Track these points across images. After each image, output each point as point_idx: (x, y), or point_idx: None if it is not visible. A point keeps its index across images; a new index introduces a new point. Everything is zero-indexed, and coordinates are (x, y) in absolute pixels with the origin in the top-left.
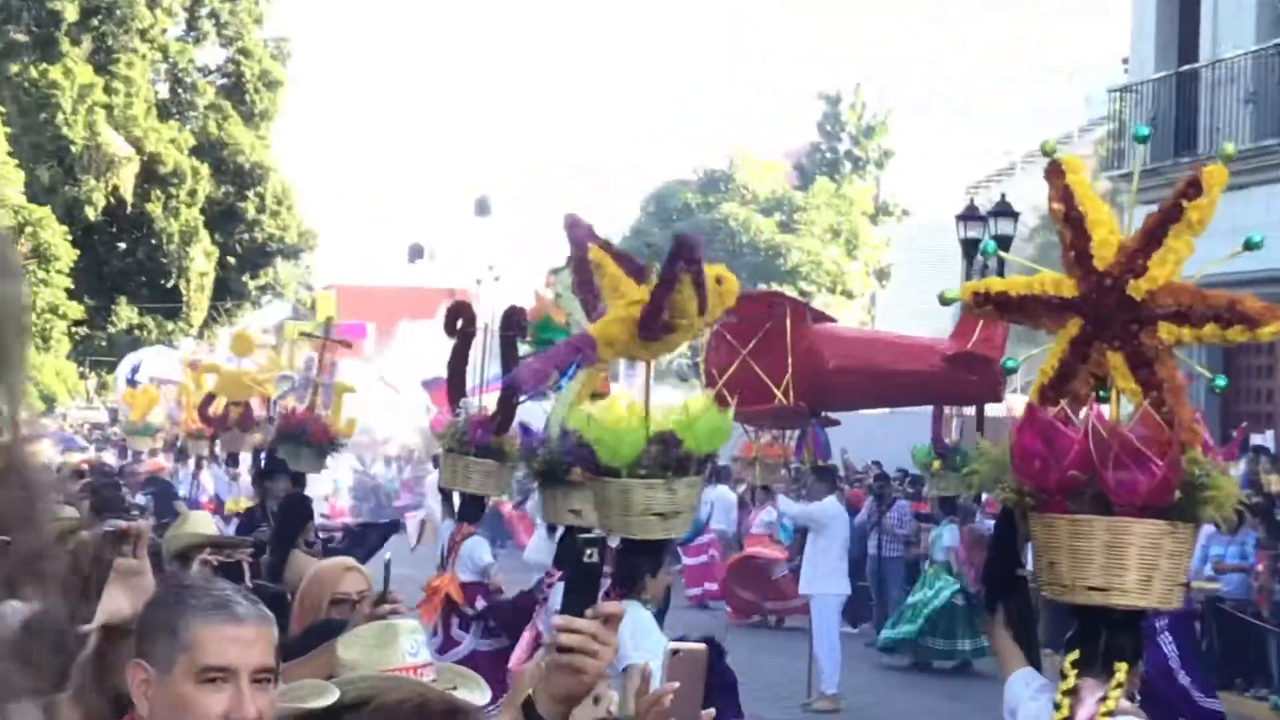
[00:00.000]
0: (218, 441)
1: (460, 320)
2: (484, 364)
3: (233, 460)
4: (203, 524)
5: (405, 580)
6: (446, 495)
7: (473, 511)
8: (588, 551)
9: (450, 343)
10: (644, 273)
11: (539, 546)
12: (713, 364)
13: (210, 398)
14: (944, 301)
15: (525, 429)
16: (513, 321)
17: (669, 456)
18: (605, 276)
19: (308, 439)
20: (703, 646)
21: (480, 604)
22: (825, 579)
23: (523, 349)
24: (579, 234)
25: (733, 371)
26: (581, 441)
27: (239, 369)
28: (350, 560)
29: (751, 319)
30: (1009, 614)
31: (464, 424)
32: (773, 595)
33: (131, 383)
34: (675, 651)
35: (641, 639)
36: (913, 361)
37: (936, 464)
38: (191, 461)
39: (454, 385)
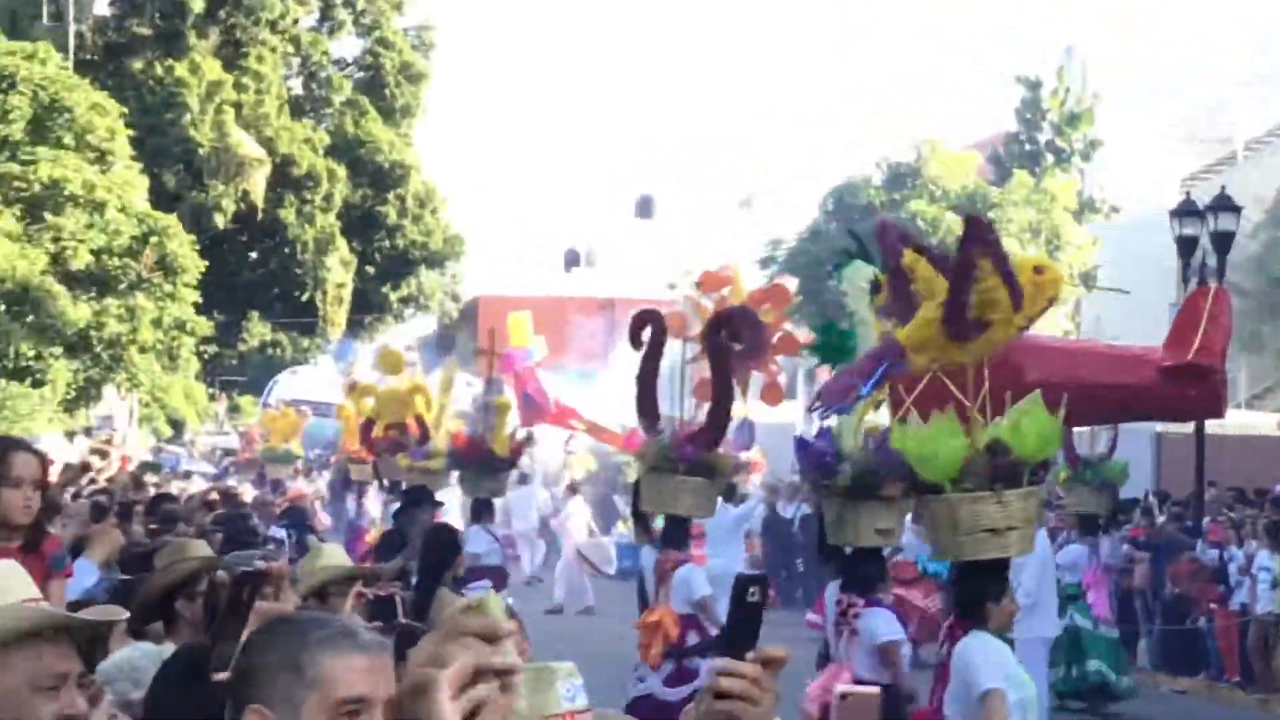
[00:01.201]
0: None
1: (649, 330)
2: (681, 376)
3: (394, 488)
4: (338, 557)
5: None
6: (642, 519)
7: (679, 536)
8: (750, 590)
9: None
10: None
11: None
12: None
13: (371, 422)
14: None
15: (802, 441)
16: (730, 326)
17: (997, 466)
18: (920, 281)
19: (462, 462)
20: (875, 690)
21: (692, 640)
22: (1028, 619)
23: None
24: (891, 241)
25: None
26: (898, 456)
27: (394, 388)
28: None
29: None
30: None
31: (670, 440)
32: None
33: (268, 405)
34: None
35: (994, 668)
36: (1122, 374)
37: (1063, 475)
38: (356, 489)
39: (645, 401)
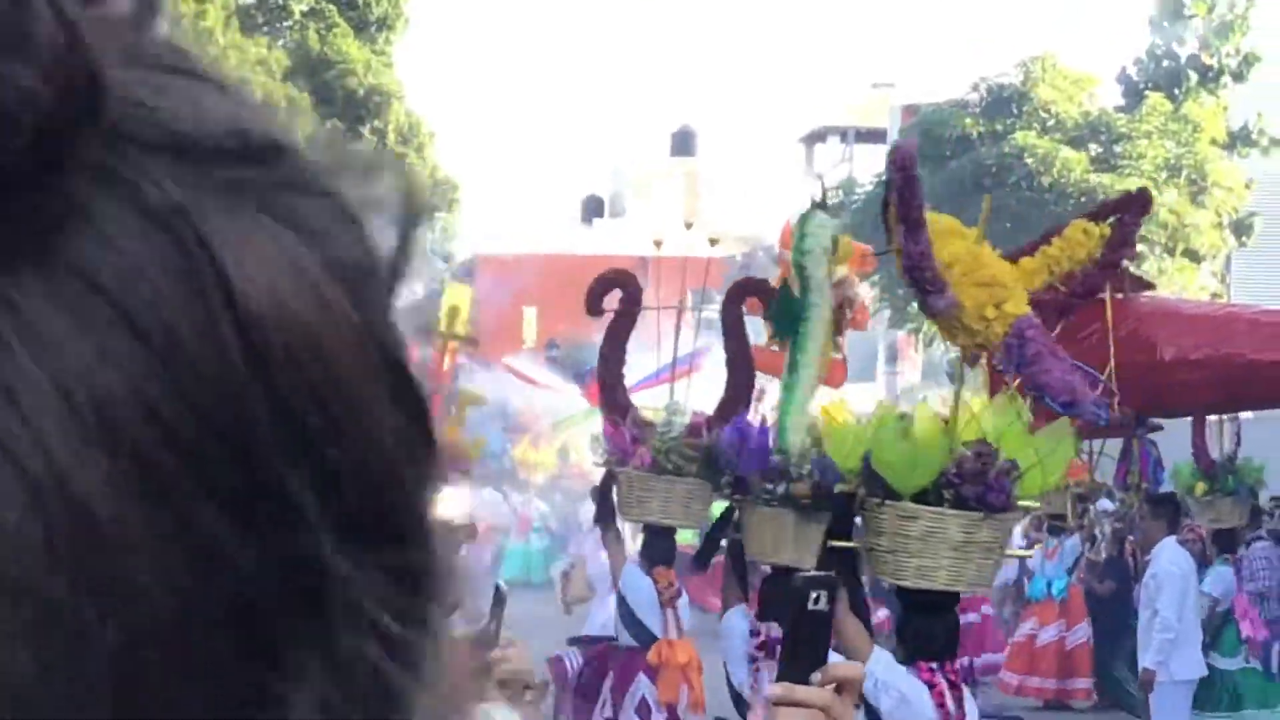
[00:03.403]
0: None
1: (617, 295)
2: (675, 346)
3: None
4: None
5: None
6: (615, 530)
7: (668, 551)
8: (813, 595)
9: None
10: None
11: None
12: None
13: None
14: None
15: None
16: (748, 295)
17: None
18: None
19: None
20: None
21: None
22: (1175, 658)
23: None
24: (913, 179)
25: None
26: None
27: None
28: (509, 633)
29: (1054, 294)
30: None
31: (679, 430)
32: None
33: None
34: None
35: None
36: (1276, 348)
37: (1201, 487)
38: None
39: (609, 381)
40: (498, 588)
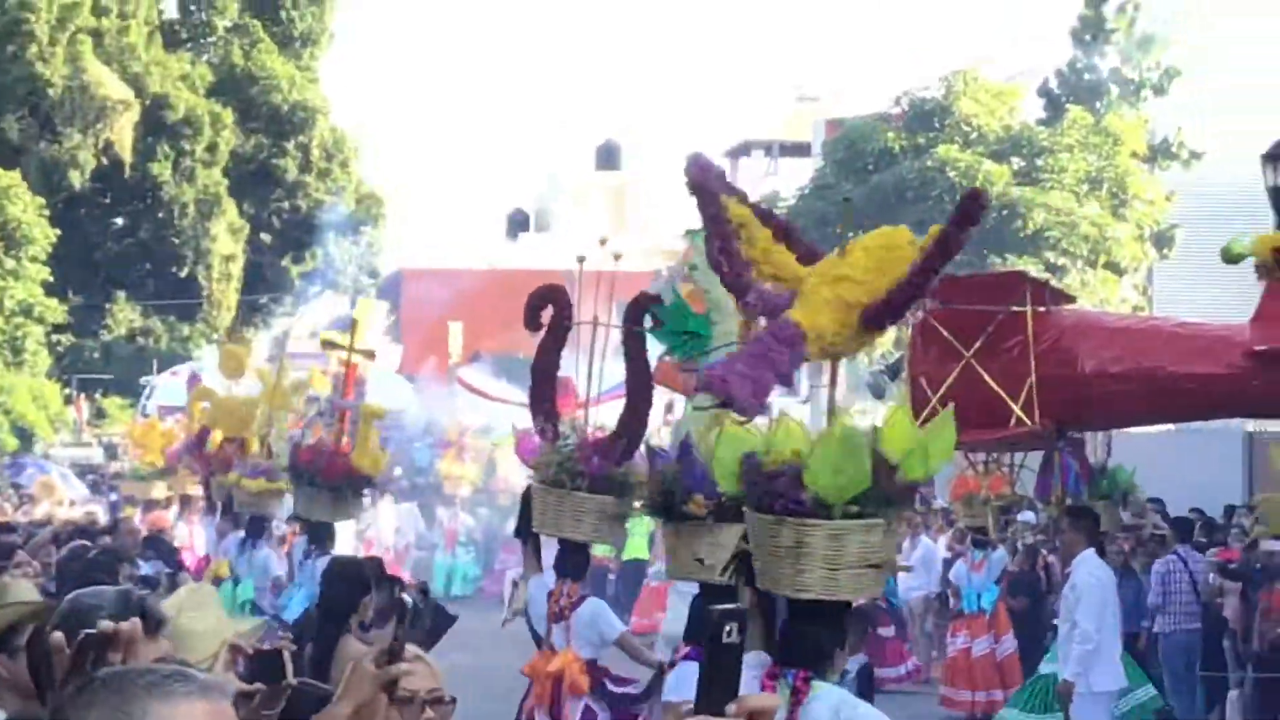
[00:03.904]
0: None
1: (550, 310)
2: (597, 369)
3: (226, 511)
4: (209, 599)
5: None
6: (533, 544)
7: (579, 565)
8: (726, 628)
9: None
10: (810, 248)
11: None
12: (921, 371)
13: (205, 431)
14: (1229, 258)
15: (657, 452)
16: (641, 311)
17: (893, 489)
18: (753, 242)
19: (321, 478)
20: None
21: (612, 688)
22: (1094, 669)
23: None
24: (707, 181)
25: (952, 382)
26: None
27: (235, 396)
28: (416, 648)
29: (976, 308)
30: None
31: (574, 449)
32: (996, 681)
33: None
34: None
35: None
36: (1203, 361)
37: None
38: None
39: (540, 397)
40: (405, 601)
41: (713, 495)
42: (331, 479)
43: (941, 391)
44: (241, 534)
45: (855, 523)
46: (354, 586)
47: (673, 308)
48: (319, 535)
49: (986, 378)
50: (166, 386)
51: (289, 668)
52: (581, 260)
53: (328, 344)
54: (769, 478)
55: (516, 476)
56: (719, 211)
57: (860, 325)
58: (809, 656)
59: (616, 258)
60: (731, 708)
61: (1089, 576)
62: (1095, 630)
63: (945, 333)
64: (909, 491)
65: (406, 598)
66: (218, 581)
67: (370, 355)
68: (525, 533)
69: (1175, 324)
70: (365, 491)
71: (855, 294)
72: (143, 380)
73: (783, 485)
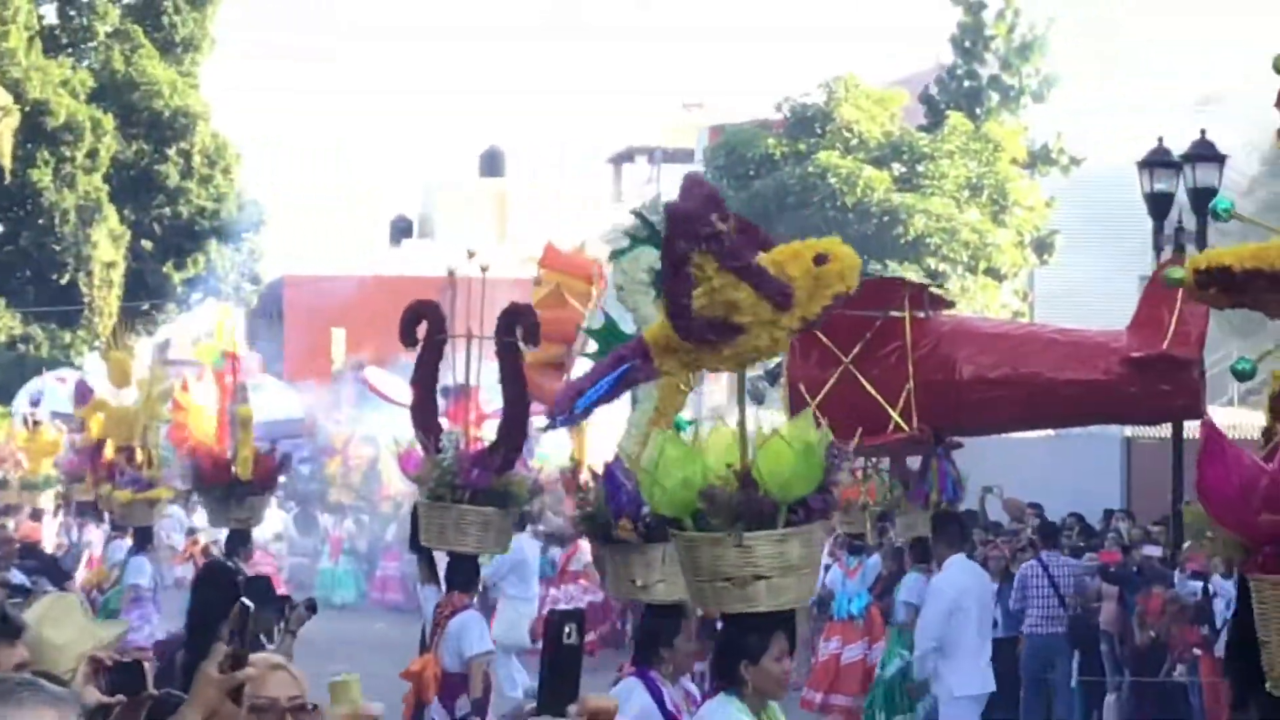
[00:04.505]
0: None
1: (425, 325)
2: (468, 372)
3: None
4: (71, 610)
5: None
6: (426, 556)
7: (467, 577)
8: (565, 630)
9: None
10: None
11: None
12: (799, 376)
13: (101, 443)
14: (1170, 283)
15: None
16: (516, 323)
17: (742, 503)
18: (708, 283)
19: (204, 486)
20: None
21: (461, 707)
22: (953, 673)
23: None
24: (679, 233)
25: (830, 388)
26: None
27: (124, 405)
28: (278, 656)
29: (854, 314)
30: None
31: (453, 461)
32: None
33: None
34: None
35: None
36: (1080, 367)
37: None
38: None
39: (423, 412)
40: (246, 605)
41: (638, 517)
42: (237, 484)
43: (820, 397)
44: (128, 543)
45: (704, 535)
46: (224, 593)
47: (604, 330)
48: (235, 544)
49: (865, 383)
50: (51, 391)
51: (149, 679)
52: (452, 273)
53: (203, 354)
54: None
55: (399, 485)
56: (685, 266)
57: (681, 340)
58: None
59: (484, 270)
60: (573, 708)
61: (941, 580)
62: (935, 634)
63: (823, 338)
64: (764, 506)
65: (247, 601)
66: (102, 590)
67: (235, 358)
68: (417, 545)
69: (1053, 330)
70: (265, 494)
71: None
72: (29, 386)
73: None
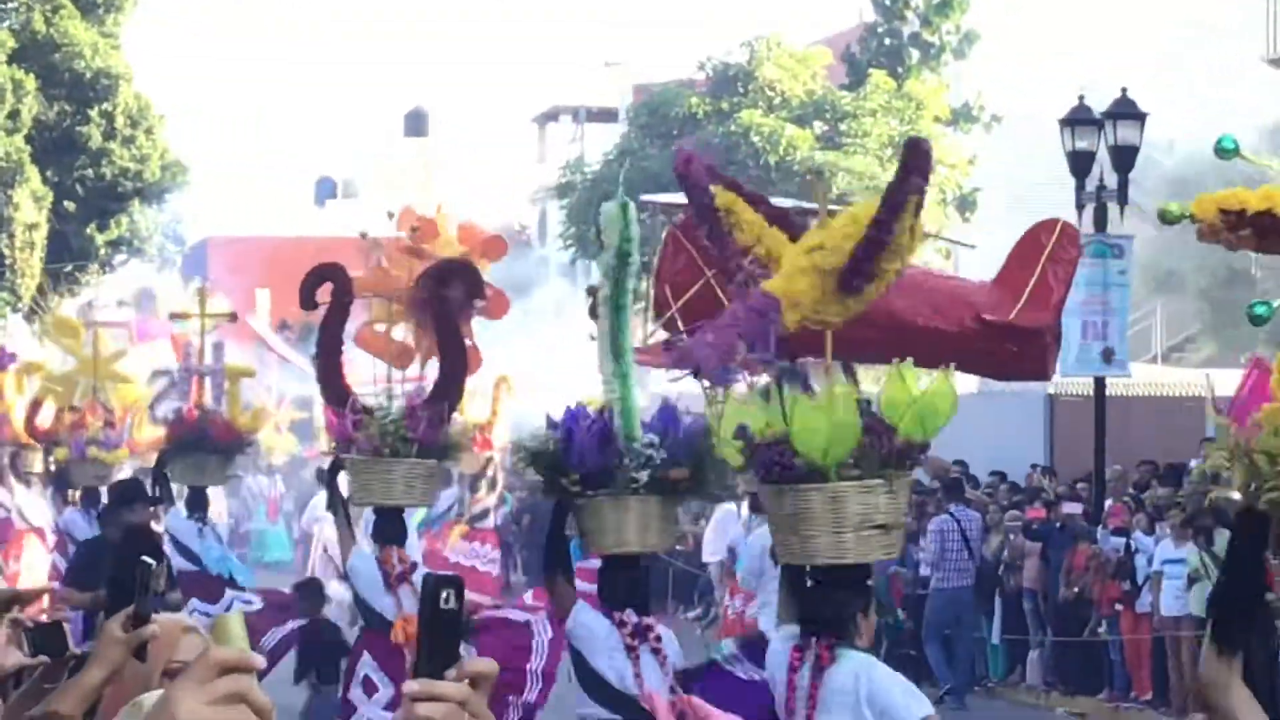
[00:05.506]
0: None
1: (329, 287)
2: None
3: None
4: None
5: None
6: (345, 515)
7: (400, 530)
8: (443, 594)
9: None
10: (788, 217)
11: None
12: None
13: (37, 404)
14: (1168, 220)
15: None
16: (438, 279)
17: (890, 449)
18: (744, 227)
19: (210, 443)
20: None
21: None
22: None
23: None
24: (696, 174)
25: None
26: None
27: (69, 366)
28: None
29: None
30: (1248, 660)
31: (400, 413)
32: None
33: None
34: None
35: (915, 694)
36: (938, 317)
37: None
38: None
39: (329, 377)
40: (146, 563)
41: (588, 470)
42: (221, 441)
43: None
44: (79, 508)
45: (853, 484)
46: (147, 554)
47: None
48: (198, 502)
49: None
50: None
51: (70, 640)
52: (364, 235)
53: (177, 316)
54: (763, 447)
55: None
56: (708, 201)
57: (837, 290)
58: (830, 624)
59: (363, 235)
60: (452, 672)
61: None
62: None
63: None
64: (909, 451)
65: (148, 559)
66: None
67: (232, 318)
68: (336, 506)
69: (923, 272)
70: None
71: (830, 260)
72: None
73: (774, 453)
